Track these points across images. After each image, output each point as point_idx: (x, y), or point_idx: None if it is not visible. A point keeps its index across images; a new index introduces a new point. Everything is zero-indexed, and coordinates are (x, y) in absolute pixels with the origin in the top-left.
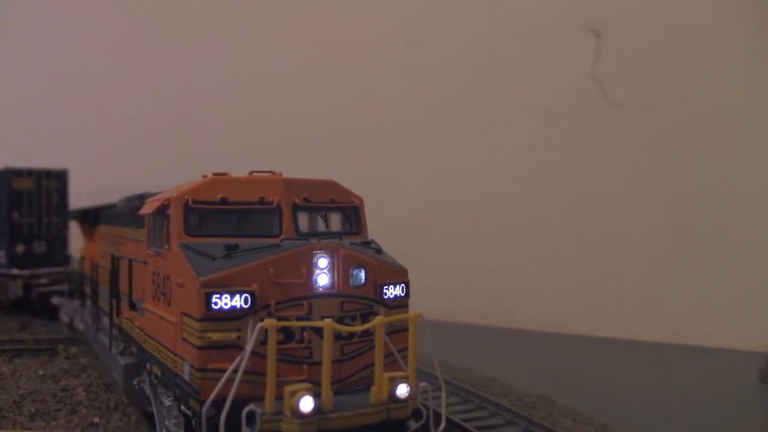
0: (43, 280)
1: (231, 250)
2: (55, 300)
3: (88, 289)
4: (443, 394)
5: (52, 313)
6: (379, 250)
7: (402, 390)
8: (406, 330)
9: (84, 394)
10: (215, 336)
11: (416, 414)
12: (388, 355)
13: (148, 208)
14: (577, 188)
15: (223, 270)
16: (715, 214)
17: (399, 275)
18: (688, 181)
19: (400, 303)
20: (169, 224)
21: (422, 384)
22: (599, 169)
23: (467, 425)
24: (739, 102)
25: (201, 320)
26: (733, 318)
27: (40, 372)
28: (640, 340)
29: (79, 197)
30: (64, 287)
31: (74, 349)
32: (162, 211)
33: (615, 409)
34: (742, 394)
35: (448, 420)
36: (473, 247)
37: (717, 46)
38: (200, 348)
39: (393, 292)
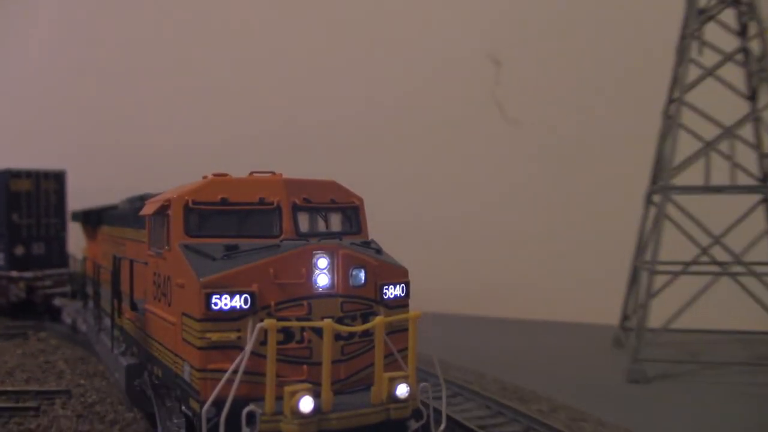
0: (47, 282)
1: (231, 251)
2: (57, 301)
3: (90, 290)
4: (443, 393)
5: (55, 314)
6: (379, 250)
7: (402, 390)
8: (406, 330)
9: (65, 365)
10: (215, 336)
11: (416, 414)
12: (389, 355)
13: (148, 209)
14: (482, 191)
15: (223, 270)
16: (587, 212)
17: (399, 275)
18: (568, 184)
19: (401, 303)
20: (169, 225)
21: (422, 384)
22: (499, 174)
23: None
24: (609, 119)
25: (201, 321)
26: (595, 297)
27: (19, 351)
28: (524, 318)
29: (76, 198)
30: (67, 289)
31: (43, 334)
32: (162, 211)
33: (504, 369)
34: (600, 355)
35: (450, 419)
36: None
37: (592, 73)
38: (200, 348)
39: (393, 292)
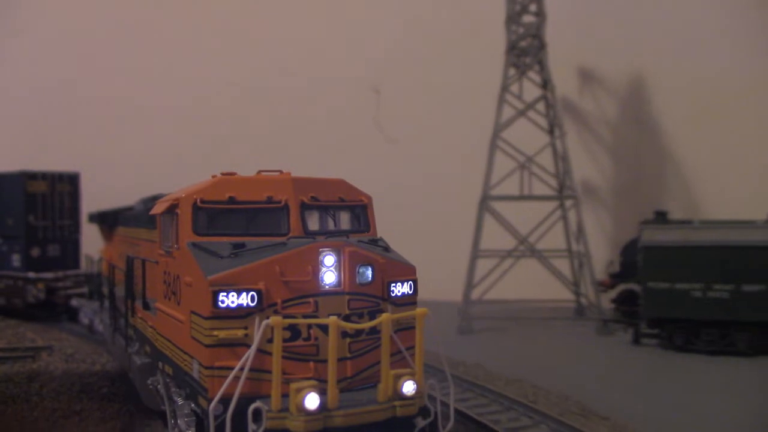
0: (68, 283)
1: (238, 249)
2: (74, 302)
3: (105, 290)
4: (451, 391)
5: (72, 315)
6: (386, 248)
7: (408, 387)
8: (414, 327)
9: (33, 334)
10: (222, 334)
11: (424, 411)
12: (397, 352)
13: (158, 209)
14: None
15: (230, 268)
16: (443, 211)
17: (407, 273)
18: (430, 189)
19: (409, 300)
20: (178, 224)
21: (430, 381)
22: (377, 181)
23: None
24: (463, 139)
25: (208, 318)
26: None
27: None
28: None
29: (91, 200)
30: (85, 289)
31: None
32: (171, 210)
33: None
34: (446, 321)
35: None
36: None
37: (448, 102)
38: (208, 346)
39: (401, 289)
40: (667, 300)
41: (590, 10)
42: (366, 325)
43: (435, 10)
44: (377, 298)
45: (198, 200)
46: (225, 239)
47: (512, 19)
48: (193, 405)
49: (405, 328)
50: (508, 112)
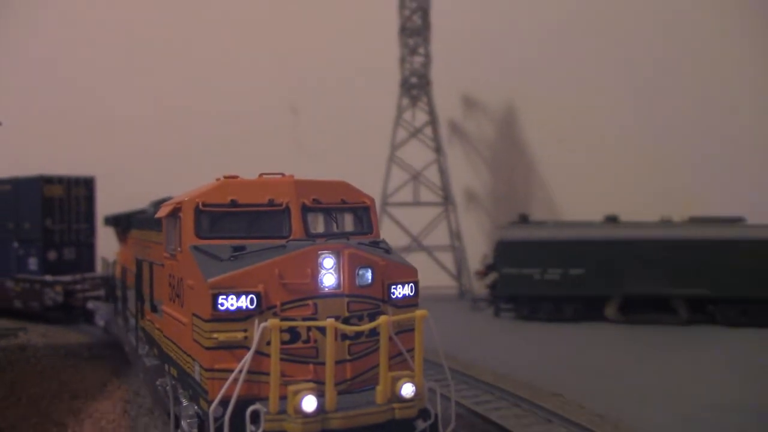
0: (86, 285)
1: (238, 252)
2: (90, 305)
3: (119, 293)
4: (452, 393)
5: (89, 317)
6: (387, 250)
7: (407, 390)
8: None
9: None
10: (222, 336)
11: (424, 414)
12: (398, 355)
13: (162, 212)
14: None
15: (230, 271)
16: None
17: (407, 275)
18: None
19: (409, 302)
20: (181, 227)
21: (430, 383)
22: None
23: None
24: (372, 152)
25: (208, 321)
26: None
27: None
28: None
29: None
30: (101, 292)
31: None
32: (175, 214)
33: None
34: None
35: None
36: None
37: (361, 121)
38: (208, 348)
39: (401, 291)
40: (516, 282)
41: (474, 48)
42: (363, 327)
43: (344, 46)
44: (377, 300)
45: (200, 203)
46: (227, 242)
47: (404, 59)
48: (195, 407)
49: (406, 330)
50: (403, 135)
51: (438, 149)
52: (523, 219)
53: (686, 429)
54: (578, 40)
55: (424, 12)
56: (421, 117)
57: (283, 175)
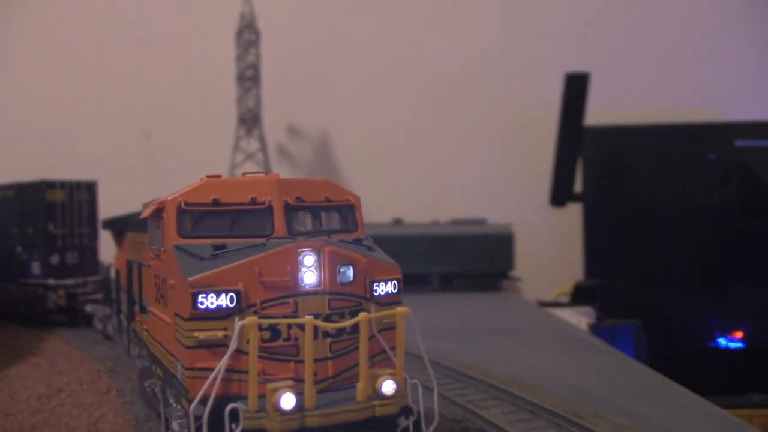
0: (88, 289)
1: (218, 251)
2: (88, 308)
3: (114, 296)
4: (435, 390)
5: (89, 320)
6: (370, 248)
7: (388, 387)
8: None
9: None
10: (202, 335)
11: (406, 411)
12: (381, 352)
13: (147, 212)
14: None
15: (209, 270)
16: None
17: (390, 272)
18: None
19: (392, 300)
20: (164, 227)
21: (413, 381)
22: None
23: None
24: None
25: (188, 320)
26: None
27: None
28: None
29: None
30: (100, 295)
31: None
32: (158, 214)
33: None
34: None
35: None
36: None
37: (206, 146)
38: (188, 347)
39: (384, 289)
40: None
41: (297, 87)
42: (343, 324)
43: (193, 85)
44: (359, 298)
45: (182, 203)
46: (210, 241)
47: (240, 99)
48: (179, 407)
49: (389, 328)
50: (240, 157)
51: (268, 169)
52: None
53: None
54: (381, 84)
55: (255, 66)
56: (254, 144)
57: (266, 173)
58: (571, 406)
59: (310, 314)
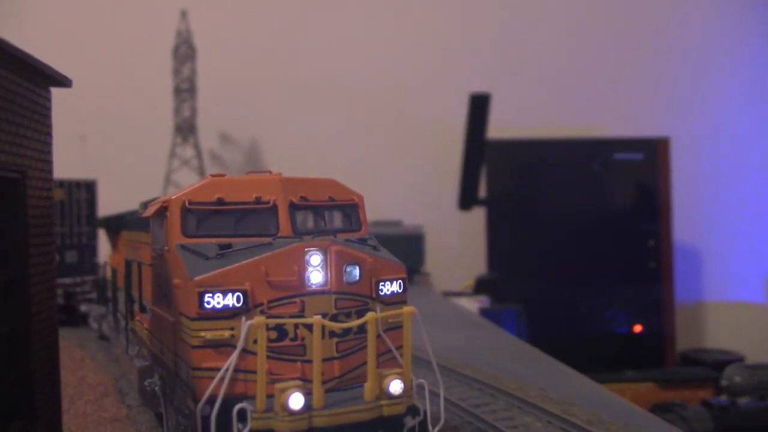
0: (86, 288)
1: (224, 250)
2: (84, 307)
3: (110, 294)
4: (441, 390)
5: (85, 319)
6: (375, 247)
7: (395, 387)
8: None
9: None
10: (209, 335)
11: (413, 411)
12: (387, 352)
13: (149, 211)
14: None
15: (216, 269)
16: None
17: (396, 271)
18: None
19: (398, 299)
20: (168, 226)
21: (419, 381)
22: None
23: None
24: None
25: (194, 319)
26: None
27: None
28: None
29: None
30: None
31: None
32: (161, 213)
33: None
34: None
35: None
36: None
37: (144, 152)
38: (194, 347)
39: (390, 288)
40: None
41: (230, 98)
42: (351, 324)
43: (132, 96)
44: (366, 297)
45: (186, 202)
46: (214, 240)
47: (177, 110)
48: (184, 407)
49: (395, 327)
50: (176, 163)
51: (202, 173)
52: None
53: None
54: (308, 97)
55: (191, 79)
56: (190, 151)
57: (270, 173)
58: (451, 362)
59: (316, 314)
